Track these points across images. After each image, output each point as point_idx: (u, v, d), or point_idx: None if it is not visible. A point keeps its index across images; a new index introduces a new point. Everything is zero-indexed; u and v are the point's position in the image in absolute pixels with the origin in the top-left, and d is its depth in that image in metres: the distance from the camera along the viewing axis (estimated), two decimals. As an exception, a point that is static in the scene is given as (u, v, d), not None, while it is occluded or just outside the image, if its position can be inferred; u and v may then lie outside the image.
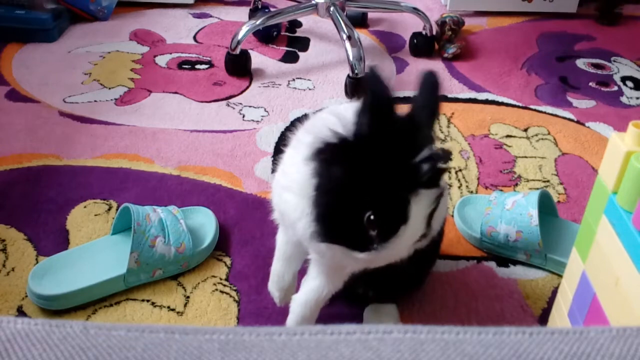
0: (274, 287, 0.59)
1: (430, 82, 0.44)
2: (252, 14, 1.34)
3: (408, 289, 0.65)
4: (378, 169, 0.42)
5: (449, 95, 1.08)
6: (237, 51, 1.09)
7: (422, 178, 0.41)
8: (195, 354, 0.21)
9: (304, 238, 0.47)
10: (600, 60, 1.22)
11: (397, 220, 0.42)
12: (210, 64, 1.17)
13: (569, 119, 1.02)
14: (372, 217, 0.42)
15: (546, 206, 0.74)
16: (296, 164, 0.47)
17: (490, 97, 1.08)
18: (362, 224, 0.42)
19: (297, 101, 1.05)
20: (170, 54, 1.20)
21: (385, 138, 0.41)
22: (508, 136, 0.96)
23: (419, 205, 0.42)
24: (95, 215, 0.76)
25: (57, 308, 0.62)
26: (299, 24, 1.35)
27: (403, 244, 0.44)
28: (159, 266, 0.66)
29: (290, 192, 0.47)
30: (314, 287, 0.54)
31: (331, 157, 0.43)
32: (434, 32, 1.21)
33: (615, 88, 1.12)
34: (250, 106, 1.03)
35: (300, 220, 0.46)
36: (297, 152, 0.48)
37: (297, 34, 1.31)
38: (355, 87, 1.02)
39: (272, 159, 0.89)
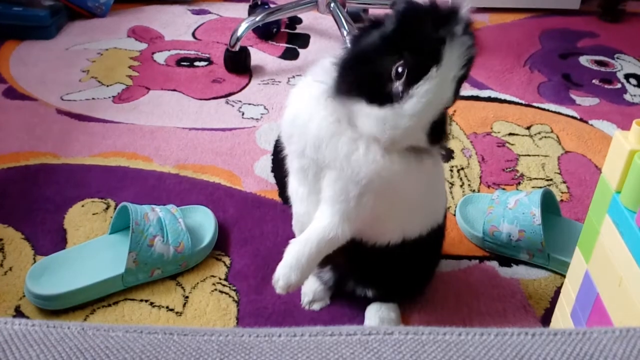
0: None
1: None
2: (252, 10, 1.33)
3: (411, 289, 0.64)
4: (412, 22, 0.42)
5: (451, 93, 1.07)
6: (237, 48, 1.08)
7: (460, 18, 0.42)
8: (194, 356, 0.21)
9: (317, 140, 0.46)
10: (604, 58, 1.21)
11: (429, 60, 0.42)
12: (209, 61, 1.16)
13: (572, 117, 1.01)
14: (400, 68, 0.42)
15: (549, 205, 0.73)
16: (303, 89, 0.48)
17: (493, 94, 1.07)
18: (389, 77, 0.42)
19: (297, 99, 1.04)
20: (169, 50, 1.19)
21: (418, 4, 0.42)
22: (511, 134, 0.95)
23: (452, 54, 0.42)
24: (93, 214, 0.76)
25: (55, 308, 0.62)
26: (299, 21, 1.34)
27: (430, 96, 0.42)
28: (158, 266, 0.65)
29: (304, 101, 0.48)
30: (319, 226, 0.49)
31: (363, 32, 0.45)
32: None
33: (619, 85, 1.11)
34: (249, 104, 1.02)
35: (315, 114, 0.46)
36: (303, 89, 0.49)
37: (297, 31, 1.30)
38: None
39: (272, 157, 0.88)
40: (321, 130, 0.47)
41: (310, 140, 0.47)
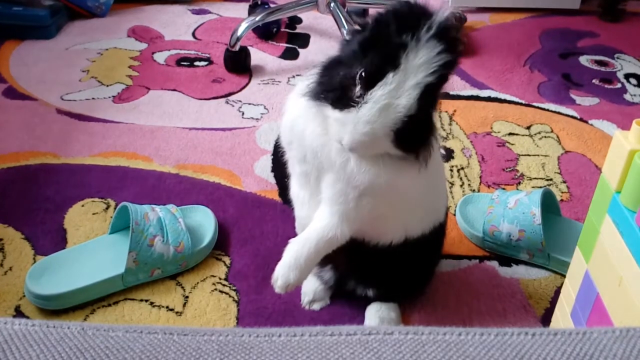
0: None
1: None
2: (252, 10, 1.33)
3: (411, 289, 0.64)
4: (383, 27, 0.42)
5: (451, 93, 1.07)
6: (237, 48, 1.08)
7: (428, 22, 0.41)
8: (194, 356, 0.21)
9: (313, 149, 0.47)
10: (604, 57, 1.21)
11: (385, 65, 0.41)
12: (209, 61, 1.16)
13: (572, 117, 1.01)
14: (363, 73, 0.42)
15: (549, 205, 0.73)
16: (299, 98, 0.48)
17: (493, 94, 1.07)
18: (353, 83, 0.42)
19: (297, 98, 1.04)
20: (169, 50, 1.19)
21: (398, 8, 0.42)
22: (511, 134, 0.95)
23: (415, 59, 0.40)
24: (93, 214, 0.76)
25: (55, 308, 0.62)
26: (299, 20, 1.34)
27: (383, 101, 0.41)
28: (158, 266, 0.65)
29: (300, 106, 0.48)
30: (319, 226, 0.49)
31: (351, 37, 0.45)
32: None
33: (619, 85, 1.11)
34: (249, 104, 1.02)
35: (308, 125, 0.47)
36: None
37: (297, 30, 1.30)
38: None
39: (272, 157, 0.88)
40: (314, 142, 0.48)
41: (309, 147, 0.48)
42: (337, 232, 0.49)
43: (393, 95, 0.41)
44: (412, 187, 0.49)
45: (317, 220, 0.50)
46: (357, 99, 0.42)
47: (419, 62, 0.41)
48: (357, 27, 0.46)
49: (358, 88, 0.42)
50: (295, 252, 0.49)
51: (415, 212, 0.53)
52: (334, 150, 0.46)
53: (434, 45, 0.41)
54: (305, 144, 0.48)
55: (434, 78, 0.41)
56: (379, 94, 0.41)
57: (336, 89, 0.44)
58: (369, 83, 0.41)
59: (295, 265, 0.48)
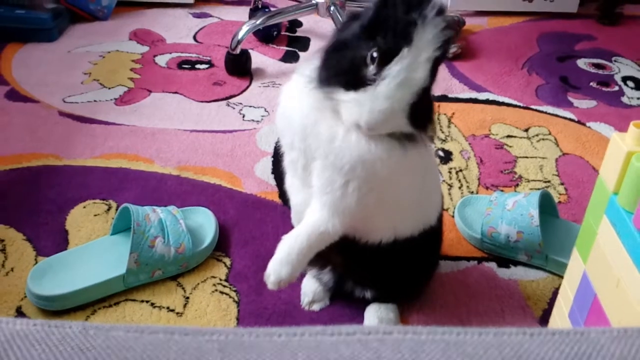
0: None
1: None
2: (252, 13, 1.33)
3: (408, 290, 0.64)
4: (386, 7, 0.43)
5: (449, 95, 1.08)
6: (237, 51, 1.09)
7: (431, 2, 0.42)
8: (195, 355, 0.21)
9: (302, 129, 0.47)
10: (601, 60, 1.22)
11: (399, 41, 0.42)
12: (210, 64, 1.16)
13: (570, 119, 1.01)
14: (374, 54, 0.42)
15: (547, 206, 0.73)
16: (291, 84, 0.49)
17: (491, 97, 1.07)
18: (365, 63, 0.43)
19: (297, 101, 1.05)
20: (170, 53, 1.20)
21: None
22: (509, 136, 0.96)
23: (424, 35, 0.42)
24: (95, 215, 0.76)
25: (56, 309, 0.62)
26: (300, 24, 1.35)
27: (402, 76, 0.42)
28: (159, 267, 0.66)
29: (294, 95, 0.48)
30: (310, 221, 0.49)
31: (348, 22, 0.46)
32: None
33: (616, 88, 1.12)
34: (250, 106, 1.03)
35: (299, 104, 0.47)
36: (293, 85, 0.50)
37: (297, 34, 1.31)
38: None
39: (272, 159, 0.88)
40: (304, 119, 0.47)
41: (297, 130, 0.48)
42: (329, 225, 0.49)
43: (409, 69, 0.43)
44: (400, 178, 0.49)
45: (309, 216, 0.50)
46: (372, 78, 0.43)
47: (429, 37, 0.43)
48: (346, 17, 0.47)
49: (372, 67, 0.43)
50: (287, 247, 0.49)
51: (403, 211, 0.53)
52: (324, 127, 0.46)
53: (438, 22, 0.43)
54: (294, 128, 0.48)
55: (440, 52, 0.44)
56: (397, 69, 0.42)
57: (346, 71, 0.44)
58: (385, 60, 0.42)
59: (287, 261, 0.48)
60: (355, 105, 0.44)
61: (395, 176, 0.48)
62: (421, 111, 0.45)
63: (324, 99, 0.46)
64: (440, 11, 0.44)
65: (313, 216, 0.50)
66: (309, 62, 0.49)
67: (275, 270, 0.49)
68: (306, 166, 0.49)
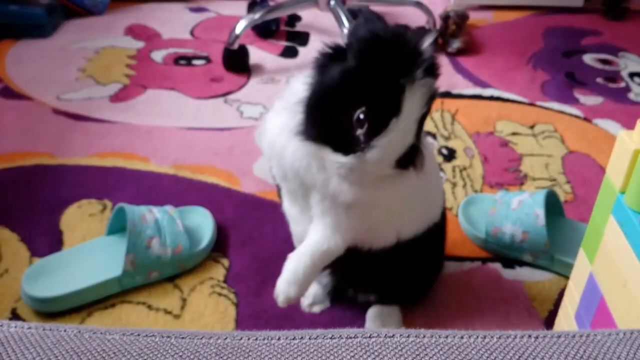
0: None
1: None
2: (251, 8, 1.32)
3: (411, 292, 0.63)
4: (373, 64, 0.42)
5: (453, 92, 1.06)
6: (235, 46, 1.07)
7: (421, 61, 0.42)
8: (192, 359, 0.21)
9: (294, 169, 0.47)
10: (608, 56, 1.20)
11: (388, 111, 0.42)
12: (208, 60, 1.15)
13: (576, 116, 1.00)
14: (362, 115, 0.42)
15: (553, 206, 0.72)
16: (278, 116, 0.49)
17: (496, 93, 1.06)
18: (351, 124, 0.42)
19: (296, 97, 1.03)
20: (167, 49, 1.18)
21: (380, 39, 0.42)
22: (514, 133, 0.94)
23: (412, 99, 0.42)
24: (90, 215, 0.75)
25: (51, 310, 0.61)
26: (299, 18, 1.33)
27: (391, 145, 0.42)
28: (155, 268, 0.65)
29: (280, 125, 0.48)
30: (313, 240, 0.50)
31: (326, 61, 0.44)
32: (438, 27, 1.18)
33: (623, 84, 1.10)
34: (248, 103, 1.01)
35: (289, 144, 0.46)
36: (277, 113, 0.50)
37: (296, 29, 1.29)
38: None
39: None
40: (295, 162, 0.48)
41: (288, 168, 0.48)
42: (331, 243, 0.50)
43: (399, 137, 0.43)
44: (401, 197, 0.49)
45: (311, 234, 0.51)
46: (361, 145, 0.43)
47: (417, 101, 0.43)
48: (327, 49, 0.45)
49: (359, 131, 0.42)
50: (293, 267, 0.50)
51: (406, 215, 0.53)
52: (315, 170, 0.47)
53: (426, 81, 0.43)
54: (286, 164, 0.48)
55: (428, 107, 0.44)
56: (385, 140, 0.42)
57: (333, 131, 0.44)
58: (373, 130, 0.42)
59: (294, 280, 0.50)
60: (344, 166, 0.44)
61: (396, 196, 0.49)
62: (407, 156, 0.45)
63: (312, 151, 0.46)
64: (430, 69, 0.43)
65: (316, 235, 0.51)
66: (291, 91, 0.47)
67: (284, 290, 0.50)
68: (305, 194, 0.50)
